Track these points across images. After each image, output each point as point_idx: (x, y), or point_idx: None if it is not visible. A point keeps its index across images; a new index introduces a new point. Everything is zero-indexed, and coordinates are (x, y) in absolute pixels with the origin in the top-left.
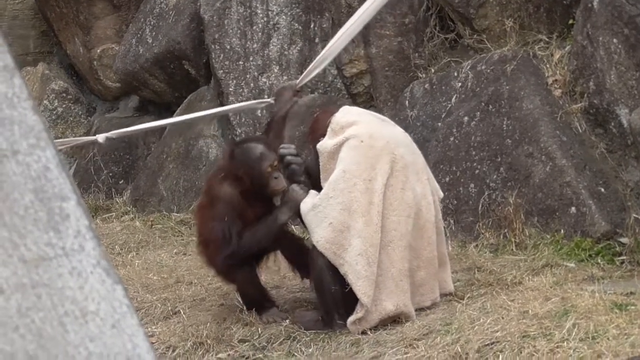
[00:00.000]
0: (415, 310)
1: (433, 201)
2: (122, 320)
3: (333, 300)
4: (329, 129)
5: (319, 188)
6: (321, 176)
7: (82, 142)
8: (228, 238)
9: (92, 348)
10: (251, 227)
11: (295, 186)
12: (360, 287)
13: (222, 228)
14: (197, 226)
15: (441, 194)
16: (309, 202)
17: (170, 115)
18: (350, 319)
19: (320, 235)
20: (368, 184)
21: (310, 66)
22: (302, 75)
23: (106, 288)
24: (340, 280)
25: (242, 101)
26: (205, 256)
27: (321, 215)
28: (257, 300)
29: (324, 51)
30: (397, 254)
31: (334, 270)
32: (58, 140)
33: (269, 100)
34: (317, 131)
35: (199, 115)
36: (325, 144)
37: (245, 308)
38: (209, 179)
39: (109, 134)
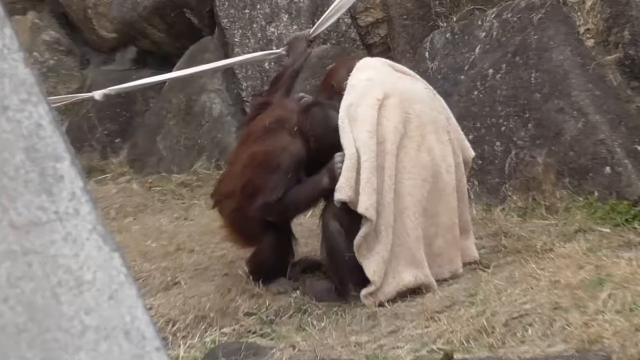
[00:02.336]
0: (436, 280)
1: (456, 163)
2: (120, 290)
3: (347, 268)
4: (348, 86)
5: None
6: (342, 135)
7: (76, 99)
8: (277, 188)
9: (87, 321)
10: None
11: (338, 156)
12: (369, 263)
13: (279, 180)
14: (244, 175)
15: (472, 153)
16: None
17: (171, 67)
18: (363, 292)
19: (368, 202)
20: (380, 147)
21: (325, 15)
22: (316, 25)
23: (103, 256)
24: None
25: (248, 52)
26: (243, 209)
27: (364, 181)
28: (270, 269)
29: None
30: (412, 221)
31: (348, 236)
32: (50, 98)
33: (279, 51)
34: (331, 86)
35: (203, 69)
36: (342, 103)
37: (251, 277)
38: (269, 127)
39: (106, 90)
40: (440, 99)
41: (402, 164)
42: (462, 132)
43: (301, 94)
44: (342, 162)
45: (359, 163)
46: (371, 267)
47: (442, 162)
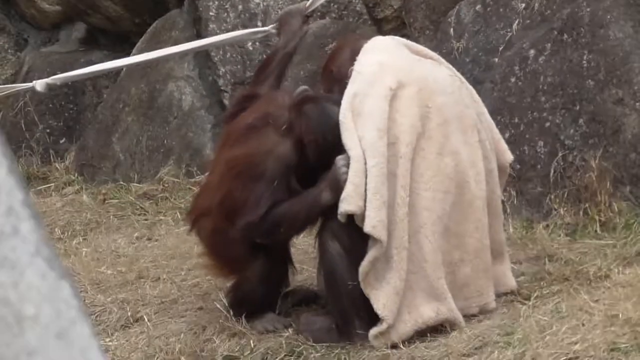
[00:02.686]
0: (463, 316)
1: (488, 170)
2: (70, 328)
3: (350, 300)
4: (353, 73)
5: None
6: (343, 134)
7: (12, 91)
8: (260, 202)
9: None
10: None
11: (340, 160)
12: (378, 295)
13: (263, 191)
14: (222, 186)
15: (509, 157)
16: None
17: (129, 48)
18: (372, 332)
19: (375, 218)
20: (392, 149)
21: None
22: None
23: (49, 285)
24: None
25: (227, 30)
26: (223, 229)
27: (372, 191)
28: (256, 303)
29: None
30: (430, 243)
31: (351, 260)
32: None
33: (268, 29)
34: (330, 72)
35: (171, 53)
36: (346, 94)
37: (232, 312)
38: (253, 125)
39: (50, 80)
40: (470, 88)
41: (418, 171)
42: (497, 131)
43: (303, 87)
44: (346, 166)
45: (366, 169)
46: (380, 299)
47: (470, 169)
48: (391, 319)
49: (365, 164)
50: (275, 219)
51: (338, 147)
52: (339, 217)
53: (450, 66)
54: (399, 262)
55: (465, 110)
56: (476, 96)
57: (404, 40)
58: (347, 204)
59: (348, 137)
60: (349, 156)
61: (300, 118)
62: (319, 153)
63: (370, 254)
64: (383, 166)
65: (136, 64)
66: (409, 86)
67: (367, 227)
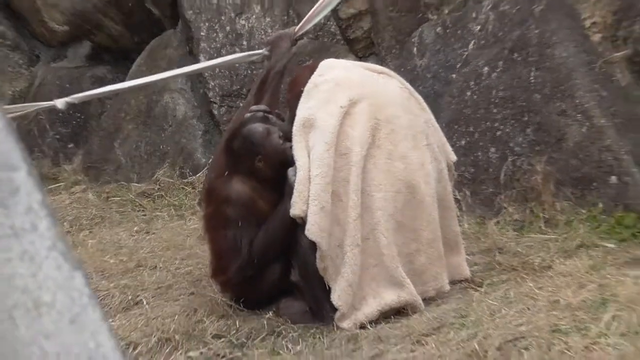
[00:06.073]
0: (423, 300)
1: (438, 170)
2: (82, 313)
3: (322, 287)
4: (304, 91)
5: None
6: (294, 146)
7: (35, 109)
8: (239, 246)
9: (47, 347)
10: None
11: (291, 171)
12: (335, 287)
13: (234, 235)
14: (209, 243)
15: (453, 157)
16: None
17: (129, 64)
18: (337, 315)
19: (310, 222)
20: (344, 159)
21: (314, 9)
22: (302, 21)
23: (63, 275)
24: None
25: (215, 48)
26: (221, 275)
27: (311, 198)
28: (260, 301)
29: None
30: (385, 238)
31: None
32: (5, 107)
33: (262, 51)
34: (296, 91)
35: (177, 73)
36: (300, 106)
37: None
38: (209, 184)
39: (69, 98)
40: (419, 97)
41: (370, 176)
42: (443, 135)
43: (255, 108)
44: (295, 175)
45: (310, 177)
46: (337, 291)
47: (420, 171)
48: (345, 308)
49: (310, 172)
50: (260, 250)
51: (279, 148)
52: (296, 220)
53: (401, 79)
54: (352, 257)
55: (414, 118)
56: (424, 104)
57: (353, 63)
58: (293, 209)
59: (296, 149)
60: (296, 166)
61: (237, 156)
62: (273, 164)
63: (317, 254)
64: (326, 175)
65: (146, 84)
66: (360, 102)
67: (305, 230)
